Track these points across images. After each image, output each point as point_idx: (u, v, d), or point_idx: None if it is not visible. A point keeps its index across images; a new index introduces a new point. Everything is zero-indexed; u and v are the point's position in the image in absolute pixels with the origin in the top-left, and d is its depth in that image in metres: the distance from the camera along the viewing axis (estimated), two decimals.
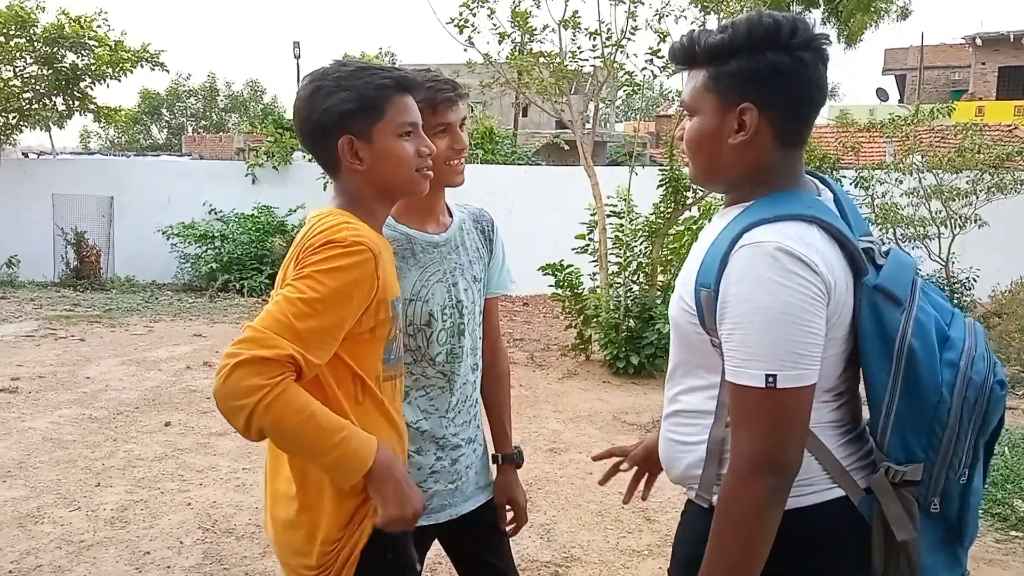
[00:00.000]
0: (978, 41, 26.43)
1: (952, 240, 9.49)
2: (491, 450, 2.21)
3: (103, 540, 3.89)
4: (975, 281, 9.35)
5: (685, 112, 1.50)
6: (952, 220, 9.40)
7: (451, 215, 2.03)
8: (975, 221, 9.27)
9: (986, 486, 4.53)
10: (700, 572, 1.39)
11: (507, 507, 2.17)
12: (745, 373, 1.32)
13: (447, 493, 1.97)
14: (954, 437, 1.35)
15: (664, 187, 7.70)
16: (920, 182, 9.54)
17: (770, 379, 1.30)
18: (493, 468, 2.18)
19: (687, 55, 1.46)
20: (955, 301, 9.35)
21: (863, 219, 1.52)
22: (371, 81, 1.59)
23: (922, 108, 10.51)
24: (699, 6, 8.48)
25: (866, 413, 1.47)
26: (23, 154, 18.55)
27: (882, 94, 27.32)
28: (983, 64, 26.75)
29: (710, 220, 1.57)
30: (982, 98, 25.17)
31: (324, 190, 9.87)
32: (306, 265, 1.49)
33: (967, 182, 9.37)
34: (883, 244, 1.47)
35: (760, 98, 1.38)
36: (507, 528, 2.18)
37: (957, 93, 26.65)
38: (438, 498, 1.96)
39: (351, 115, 1.58)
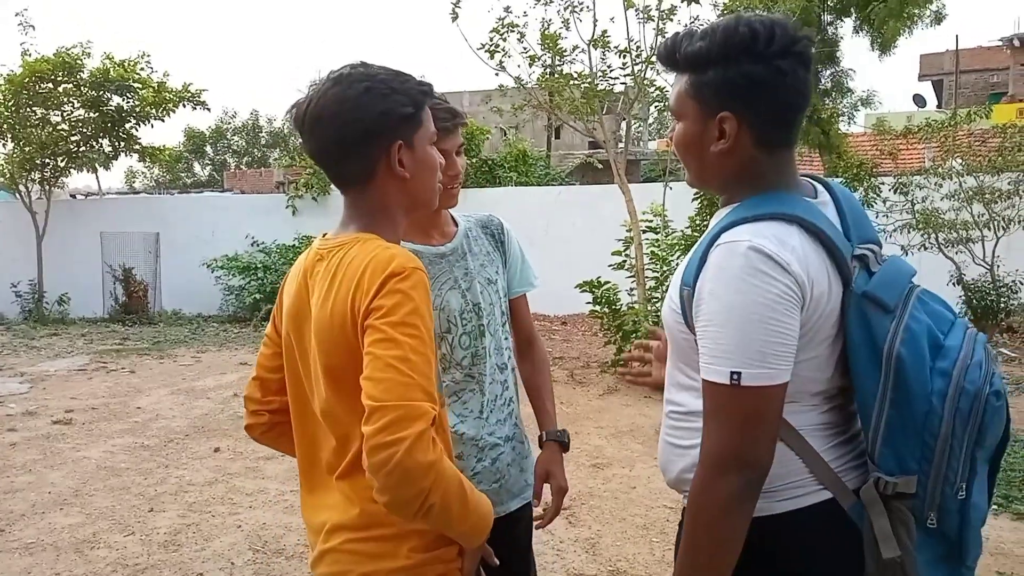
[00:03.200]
0: (1016, 42, 25.97)
1: (996, 243, 9.31)
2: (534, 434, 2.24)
3: (157, 563, 3.98)
4: (1021, 284, 9.16)
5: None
6: (995, 222, 9.23)
7: (456, 224, 2.08)
8: (1018, 222, 9.09)
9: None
10: (674, 571, 1.39)
11: (542, 482, 2.17)
12: (712, 370, 1.32)
13: (492, 493, 1.99)
14: (947, 449, 1.31)
15: (699, 200, 7.70)
16: (960, 185, 9.40)
17: (735, 376, 1.29)
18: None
19: (670, 59, 1.46)
20: (1001, 304, 9.16)
21: (870, 225, 1.49)
22: (413, 86, 1.53)
23: (959, 112, 10.36)
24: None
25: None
26: (71, 195, 19.12)
27: (919, 100, 26.94)
28: (1022, 65, 26.26)
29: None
30: (1022, 100, 24.69)
31: None
32: (385, 311, 1.37)
33: (1009, 183, 9.21)
34: (882, 253, 1.43)
35: (738, 108, 1.38)
36: (540, 517, 2.20)
37: (996, 96, 26.17)
38: None
39: (407, 120, 1.51)
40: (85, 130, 13.71)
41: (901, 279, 1.39)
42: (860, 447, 1.44)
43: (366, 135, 1.48)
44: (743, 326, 1.29)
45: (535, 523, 2.21)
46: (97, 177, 16.26)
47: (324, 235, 1.59)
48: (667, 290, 7.92)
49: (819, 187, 1.49)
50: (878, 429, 1.34)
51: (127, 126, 13.82)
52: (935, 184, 9.51)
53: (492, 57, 8.89)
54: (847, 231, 1.42)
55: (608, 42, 8.74)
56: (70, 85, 13.25)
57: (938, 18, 15.27)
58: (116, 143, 14.02)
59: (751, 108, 1.38)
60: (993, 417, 1.33)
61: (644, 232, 8.24)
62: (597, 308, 8.04)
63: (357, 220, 1.55)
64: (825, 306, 1.34)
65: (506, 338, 2.10)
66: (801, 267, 1.30)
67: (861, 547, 1.36)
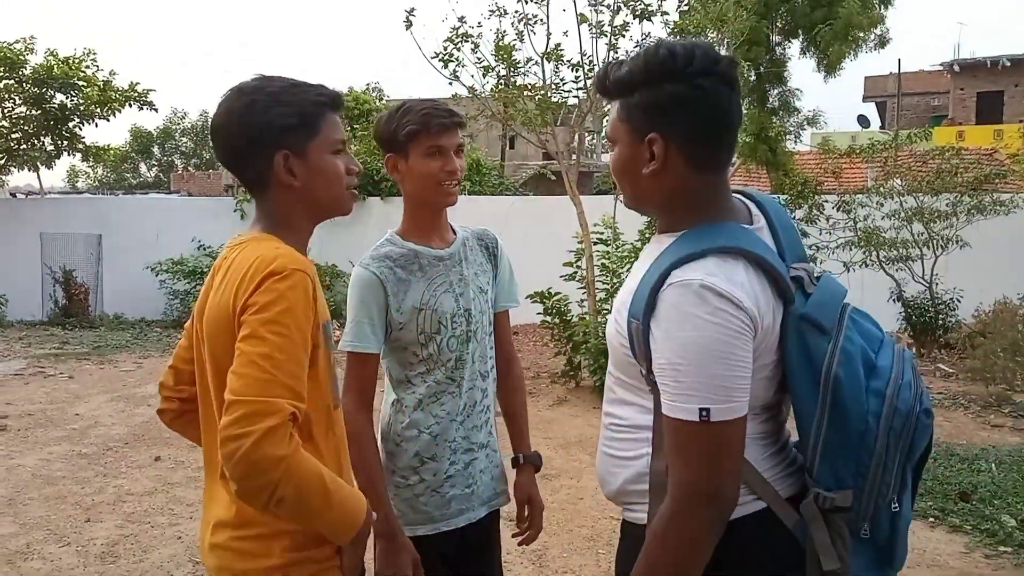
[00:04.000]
0: (956, 67, 26.84)
1: (935, 261, 9.60)
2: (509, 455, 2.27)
3: (93, 575, 3.87)
4: (959, 301, 9.45)
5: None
6: (934, 241, 9.51)
7: (455, 233, 2.15)
8: (956, 242, 9.39)
9: (974, 502, 4.61)
10: None
11: (525, 506, 2.24)
12: (680, 408, 1.33)
13: (463, 498, 2.07)
14: (881, 465, 1.36)
15: None
16: (901, 205, 9.67)
17: (704, 413, 1.31)
18: (510, 474, 2.25)
19: (603, 88, 1.52)
20: (940, 321, 9.44)
21: (800, 243, 1.54)
22: (308, 97, 1.57)
23: (901, 133, 10.68)
24: (678, 36, 8.63)
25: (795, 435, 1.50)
26: (11, 194, 18.57)
27: (863, 121, 27.59)
28: (962, 90, 27.13)
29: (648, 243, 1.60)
30: (962, 123, 25.53)
31: None
32: (258, 308, 1.41)
33: (947, 204, 9.51)
34: (816, 271, 1.48)
35: (665, 128, 1.41)
36: (523, 534, 2.25)
37: (937, 119, 27.01)
38: (455, 503, 2.06)
39: (291, 130, 1.55)
40: (27, 128, 13.32)
41: (835, 300, 1.45)
42: (790, 456, 1.50)
43: (248, 146, 1.56)
44: (706, 364, 1.31)
45: (519, 539, 2.26)
46: (39, 176, 15.75)
47: (239, 235, 1.65)
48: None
49: (754, 209, 1.52)
50: (816, 446, 1.38)
51: (70, 125, 13.47)
52: (877, 203, 9.79)
53: (446, 66, 8.88)
54: (782, 252, 1.47)
55: (561, 55, 8.80)
56: (11, 81, 12.88)
57: (882, 42, 15.73)
58: (59, 142, 13.65)
59: (677, 127, 1.42)
60: (922, 433, 1.40)
61: (595, 244, 8.32)
62: (548, 318, 8.10)
63: (261, 222, 1.63)
64: (771, 334, 1.38)
65: (491, 347, 2.14)
66: (751, 302, 1.34)
67: (794, 554, 1.41)
